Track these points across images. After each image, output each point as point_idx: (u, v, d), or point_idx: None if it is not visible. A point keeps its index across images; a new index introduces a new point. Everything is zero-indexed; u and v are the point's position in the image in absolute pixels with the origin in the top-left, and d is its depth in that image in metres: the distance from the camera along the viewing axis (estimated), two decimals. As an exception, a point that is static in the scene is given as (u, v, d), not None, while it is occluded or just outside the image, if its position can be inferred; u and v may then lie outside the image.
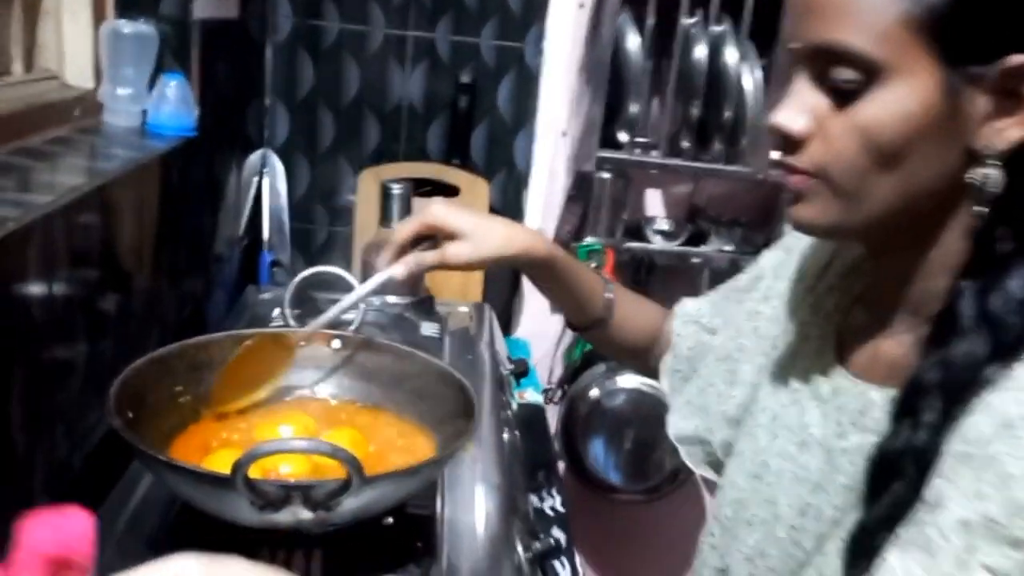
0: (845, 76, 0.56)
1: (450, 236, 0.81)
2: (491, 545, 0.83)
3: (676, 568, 1.84)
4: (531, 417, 1.41)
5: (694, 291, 1.67)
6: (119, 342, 0.95)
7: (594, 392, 1.60)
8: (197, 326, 1.25)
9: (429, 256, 0.82)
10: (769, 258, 0.83)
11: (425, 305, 1.35)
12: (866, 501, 0.59)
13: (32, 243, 0.72)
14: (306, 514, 0.68)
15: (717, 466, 0.82)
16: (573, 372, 1.64)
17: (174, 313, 1.16)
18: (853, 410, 0.65)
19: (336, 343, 0.97)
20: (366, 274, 1.45)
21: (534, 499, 1.16)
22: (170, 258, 1.12)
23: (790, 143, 0.60)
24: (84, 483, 0.85)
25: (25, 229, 0.70)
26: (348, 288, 1.07)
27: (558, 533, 1.14)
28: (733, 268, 1.63)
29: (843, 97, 0.57)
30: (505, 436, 1.05)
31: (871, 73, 0.56)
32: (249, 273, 1.54)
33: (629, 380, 1.59)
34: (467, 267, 0.83)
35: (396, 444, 0.86)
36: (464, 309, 1.43)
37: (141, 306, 1.02)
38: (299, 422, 0.88)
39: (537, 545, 0.87)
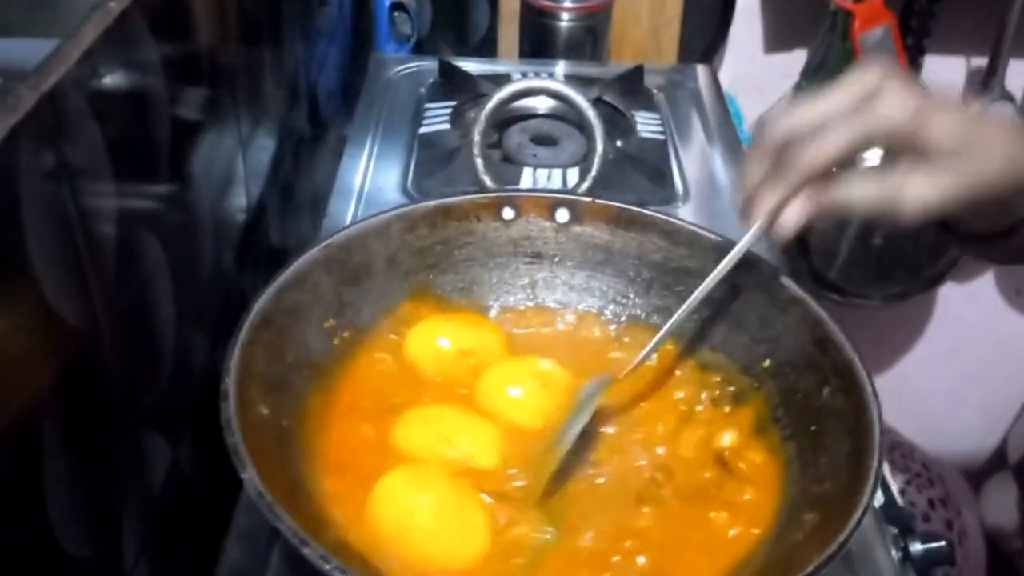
0: None
1: (915, 151, 0.43)
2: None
3: (909, 374, 1.54)
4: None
5: (995, 24, 1.20)
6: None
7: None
8: (313, 124, 0.87)
9: (860, 195, 0.44)
10: None
11: (632, 82, 0.93)
12: None
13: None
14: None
15: None
16: (800, 142, 1.21)
17: (276, 97, 0.76)
18: None
19: (563, 214, 0.60)
20: (533, 26, 1.01)
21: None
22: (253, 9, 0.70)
23: None
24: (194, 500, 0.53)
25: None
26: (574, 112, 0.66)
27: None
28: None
29: None
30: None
31: None
32: (363, 24, 1.11)
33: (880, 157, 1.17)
34: (934, 214, 0.43)
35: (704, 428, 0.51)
36: (675, 77, 1.00)
37: (240, 96, 0.63)
38: (529, 374, 0.53)
39: (918, 547, 0.55)
